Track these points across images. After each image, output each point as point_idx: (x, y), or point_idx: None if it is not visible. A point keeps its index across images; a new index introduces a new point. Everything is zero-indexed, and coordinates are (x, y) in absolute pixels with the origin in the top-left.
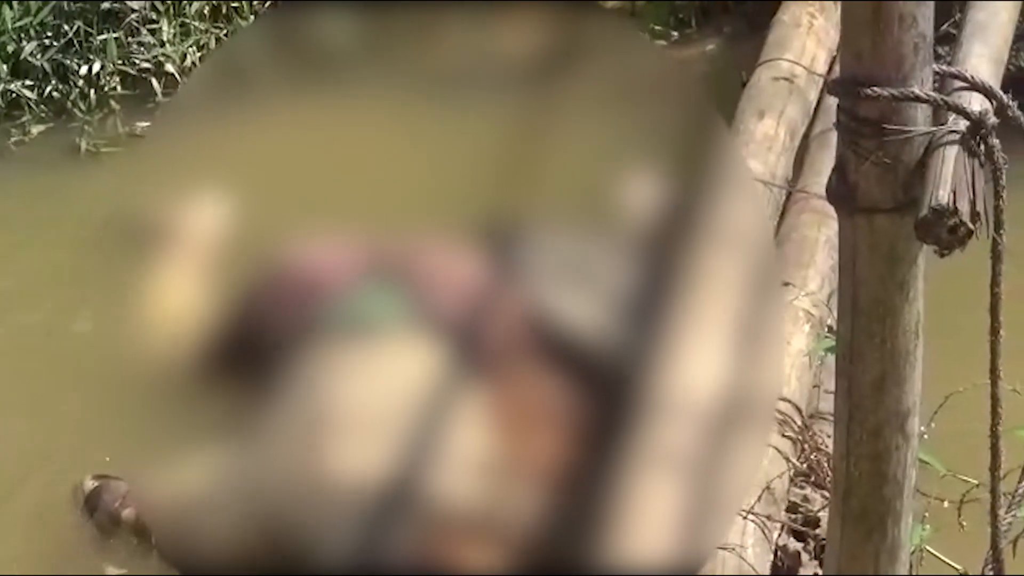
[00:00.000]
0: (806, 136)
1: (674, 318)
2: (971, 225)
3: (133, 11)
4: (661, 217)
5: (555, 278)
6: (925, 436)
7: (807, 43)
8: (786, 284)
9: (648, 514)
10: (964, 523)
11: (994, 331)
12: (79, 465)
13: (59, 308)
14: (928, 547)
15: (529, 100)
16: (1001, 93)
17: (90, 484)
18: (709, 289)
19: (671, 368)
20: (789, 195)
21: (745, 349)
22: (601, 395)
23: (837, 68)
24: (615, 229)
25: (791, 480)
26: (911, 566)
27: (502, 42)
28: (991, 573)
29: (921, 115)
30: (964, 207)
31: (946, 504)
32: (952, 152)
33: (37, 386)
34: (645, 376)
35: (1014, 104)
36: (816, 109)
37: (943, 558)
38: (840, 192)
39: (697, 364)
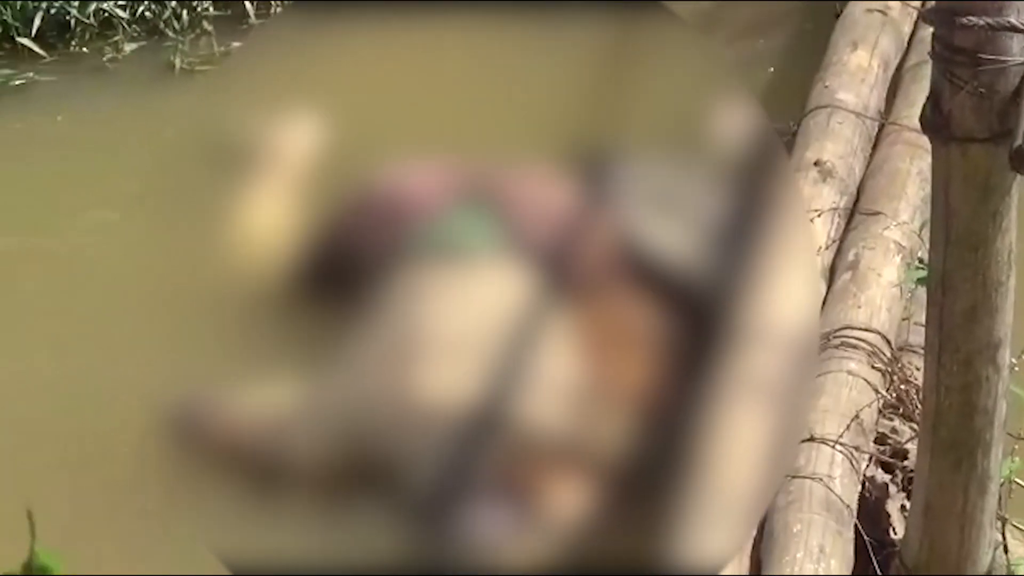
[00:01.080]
0: (899, 68)
1: (763, 246)
2: None
3: None
4: (752, 145)
5: (645, 205)
6: (1016, 368)
7: None
8: (876, 213)
9: (735, 442)
10: None
11: None
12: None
13: (151, 228)
14: (1018, 480)
15: (622, 28)
16: None
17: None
18: (798, 218)
19: (759, 296)
20: (881, 127)
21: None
22: (690, 322)
23: None
24: (706, 157)
25: (880, 412)
26: (1000, 498)
27: None
28: None
29: (1017, 45)
30: None
31: None
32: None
33: (126, 308)
34: (734, 304)
35: None
36: (910, 41)
37: None
38: (934, 122)
39: (785, 293)
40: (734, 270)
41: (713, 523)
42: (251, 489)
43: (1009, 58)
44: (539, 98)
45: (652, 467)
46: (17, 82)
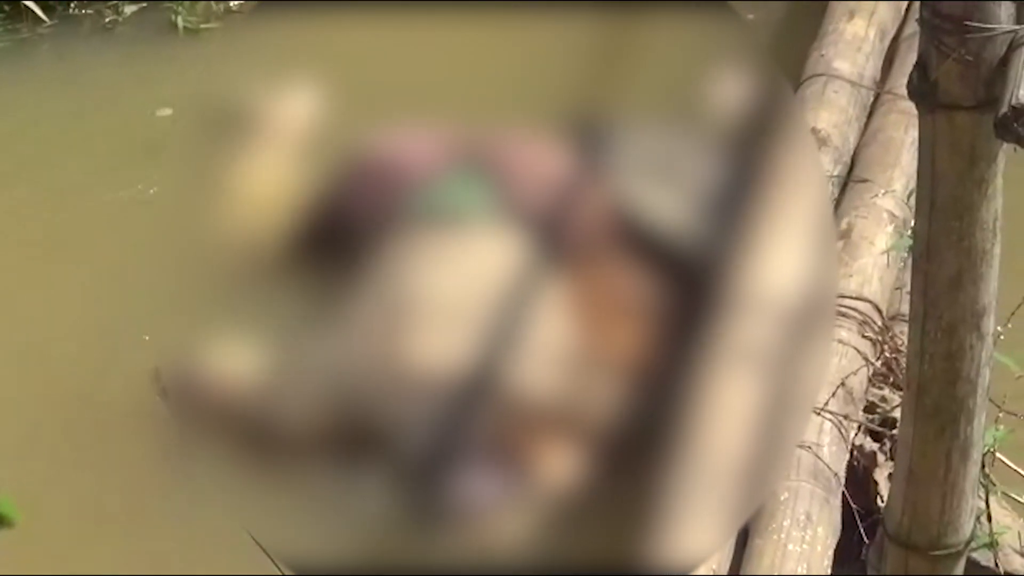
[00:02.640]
0: (896, 38)
1: (756, 216)
2: None
3: None
4: (746, 116)
5: (640, 173)
6: (1001, 336)
7: None
8: (869, 182)
9: (727, 409)
10: None
11: None
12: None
13: (150, 186)
14: (1000, 456)
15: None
16: None
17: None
18: (792, 188)
19: (751, 264)
20: (877, 96)
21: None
22: (682, 289)
23: None
24: (700, 127)
25: (870, 380)
26: (983, 466)
27: None
28: None
29: (1004, 13)
30: None
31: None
32: None
33: (122, 264)
34: (726, 271)
35: None
36: (907, 11)
37: (1011, 464)
38: (921, 89)
39: (777, 261)
40: (727, 238)
41: (709, 494)
42: (245, 448)
43: (997, 26)
44: (538, 67)
45: (643, 434)
46: (19, 39)
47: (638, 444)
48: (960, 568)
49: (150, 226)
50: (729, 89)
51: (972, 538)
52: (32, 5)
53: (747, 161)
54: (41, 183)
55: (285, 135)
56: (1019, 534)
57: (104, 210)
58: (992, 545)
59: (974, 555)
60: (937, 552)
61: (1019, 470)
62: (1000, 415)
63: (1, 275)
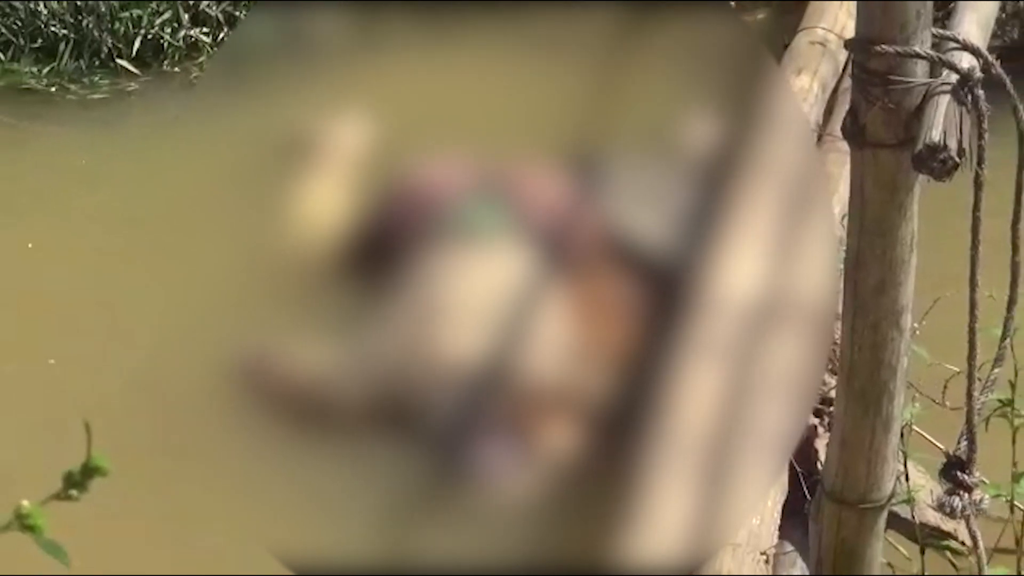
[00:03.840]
0: (835, 90)
1: (722, 232)
2: (957, 159)
3: None
4: (715, 149)
5: (627, 198)
6: (917, 332)
7: (839, 14)
8: None
9: (696, 392)
10: (947, 404)
11: (974, 246)
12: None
13: (225, 209)
14: (915, 427)
15: (613, 53)
16: (987, 53)
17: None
18: (754, 208)
19: (717, 272)
20: (819, 138)
21: (785, 258)
22: (660, 294)
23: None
24: (677, 159)
25: None
26: (902, 436)
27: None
28: (964, 446)
29: (920, 69)
30: (952, 145)
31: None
32: (944, 100)
33: (203, 276)
34: (696, 279)
35: (997, 63)
36: (844, 68)
37: (926, 435)
38: (852, 131)
39: (739, 269)
40: (697, 250)
41: (684, 463)
42: (307, 424)
43: (913, 80)
44: (546, 109)
45: (628, 411)
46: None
47: (623, 420)
48: (883, 519)
49: (228, 239)
50: (700, 128)
51: (893, 495)
52: (127, 64)
53: (716, 186)
54: (125, 211)
55: (340, 163)
56: (931, 492)
57: (182, 227)
58: (909, 501)
59: (895, 509)
60: (864, 506)
61: (932, 439)
62: (916, 395)
63: (96, 286)
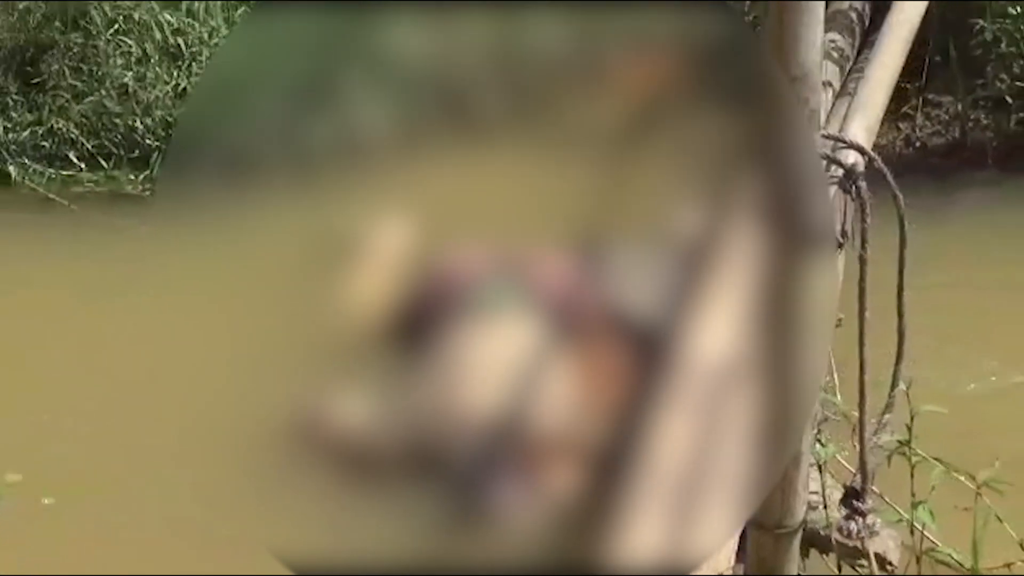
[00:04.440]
0: None
1: (701, 303)
2: (841, 240)
3: None
4: (702, 235)
5: (623, 277)
6: (829, 383)
7: None
8: None
9: (672, 440)
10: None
11: (861, 313)
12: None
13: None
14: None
15: (616, 155)
16: (870, 151)
17: (301, 414)
18: (733, 282)
19: (694, 340)
20: None
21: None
22: (646, 356)
23: None
24: (668, 243)
25: None
26: (821, 469)
27: (607, 109)
28: (859, 479)
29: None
30: (836, 228)
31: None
32: (832, 190)
33: (264, 345)
34: (676, 344)
35: (879, 159)
36: None
37: (847, 465)
38: None
39: (713, 335)
40: (681, 320)
41: (663, 497)
42: (348, 471)
43: None
44: (557, 201)
45: (620, 454)
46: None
47: (612, 462)
48: (797, 542)
49: (287, 318)
50: (689, 219)
51: (804, 521)
52: None
53: (698, 263)
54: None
55: (384, 256)
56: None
57: (241, 312)
58: (828, 527)
59: (816, 527)
60: (779, 531)
61: (849, 467)
62: (828, 436)
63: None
